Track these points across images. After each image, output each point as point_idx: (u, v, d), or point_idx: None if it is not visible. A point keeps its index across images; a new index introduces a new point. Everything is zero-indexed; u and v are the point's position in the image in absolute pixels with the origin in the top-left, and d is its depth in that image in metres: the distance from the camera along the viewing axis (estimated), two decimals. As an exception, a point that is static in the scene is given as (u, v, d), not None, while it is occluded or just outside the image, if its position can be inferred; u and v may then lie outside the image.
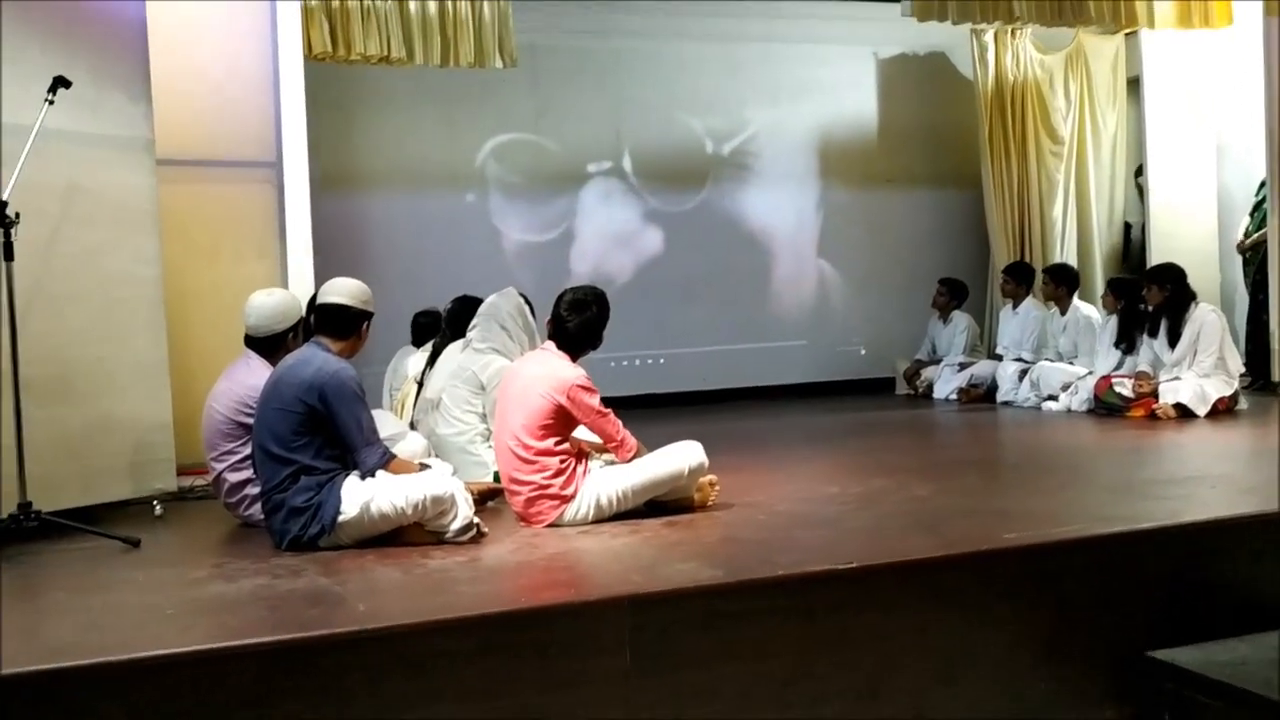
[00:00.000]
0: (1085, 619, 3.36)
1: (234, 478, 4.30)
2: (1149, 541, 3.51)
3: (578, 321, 4.09)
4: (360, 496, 3.73)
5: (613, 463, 4.13)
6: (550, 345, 4.15)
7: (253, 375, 4.27)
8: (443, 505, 3.75)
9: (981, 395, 8.01)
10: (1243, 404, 6.58)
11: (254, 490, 4.15)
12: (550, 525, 3.98)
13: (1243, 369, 6.84)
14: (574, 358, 4.10)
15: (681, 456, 4.08)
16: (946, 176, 9.56)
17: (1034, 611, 3.32)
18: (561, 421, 3.97)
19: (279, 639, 2.76)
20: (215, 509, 4.53)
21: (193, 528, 4.48)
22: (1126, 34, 8.80)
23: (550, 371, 4.01)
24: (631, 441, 4.06)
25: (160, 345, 4.85)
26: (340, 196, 7.82)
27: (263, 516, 3.95)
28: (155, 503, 4.68)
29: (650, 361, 8.67)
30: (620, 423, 4.07)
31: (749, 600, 3.06)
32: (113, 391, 4.67)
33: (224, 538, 4.23)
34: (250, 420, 4.11)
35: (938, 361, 8.66)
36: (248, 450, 4.17)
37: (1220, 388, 6.44)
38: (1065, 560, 3.42)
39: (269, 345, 4.38)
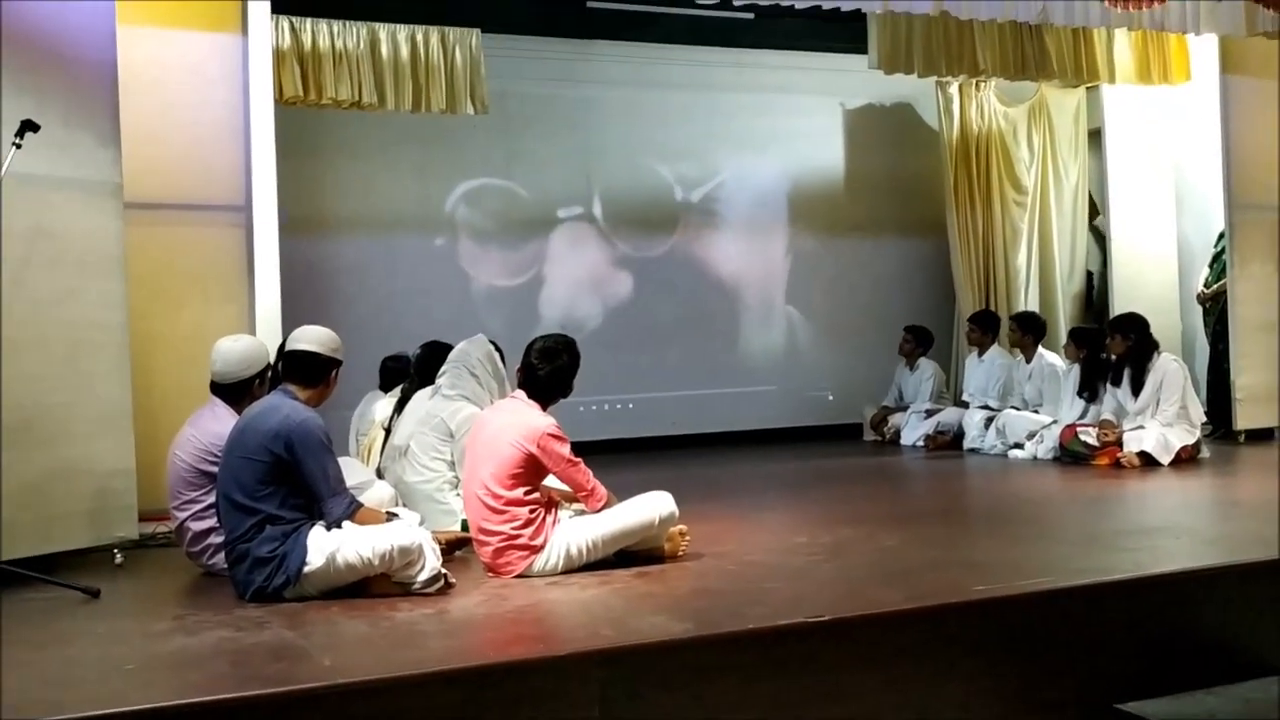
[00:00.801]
0: (1054, 671, 3.37)
1: (197, 526, 4.24)
2: (1118, 594, 3.53)
3: (549, 370, 4.08)
4: (326, 547, 3.69)
5: (582, 512, 4.11)
6: (520, 394, 4.13)
7: (218, 423, 4.22)
8: (410, 556, 3.71)
9: (948, 442, 8.05)
10: (1205, 452, 6.65)
11: (218, 539, 4.10)
12: (519, 576, 3.95)
13: (1204, 418, 6.92)
14: (544, 406, 4.08)
15: (652, 506, 4.07)
16: (912, 225, 9.67)
17: (1004, 664, 3.32)
18: (531, 471, 3.95)
19: (242, 695, 2.71)
20: (177, 557, 4.45)
21: (154, 577, 4.40)
22: (1088, 87, 8.98)
23: (521, 420, 3.99)
24: (602, 491, 4.04)
25: (125, 390, 4.79)
26: (309, 241, 7.79)
27: (226, 566, 3.89)
28: (116, 551, 4.59)
29: (619, 406, 8.66)
30: (590, 472, 4.05)
31: (720, 655, 3.04)
32: (75, 437, 4.59)
33: (186, 587, 4.16)
34: (215, 468, 4.07)
35: (904, 408, 8.70)
36: (212, 499, 4.12)
37: (1183, 436, 6.51)
38: (1035, 612, 3.42)
39: (235, 392, 4.33)
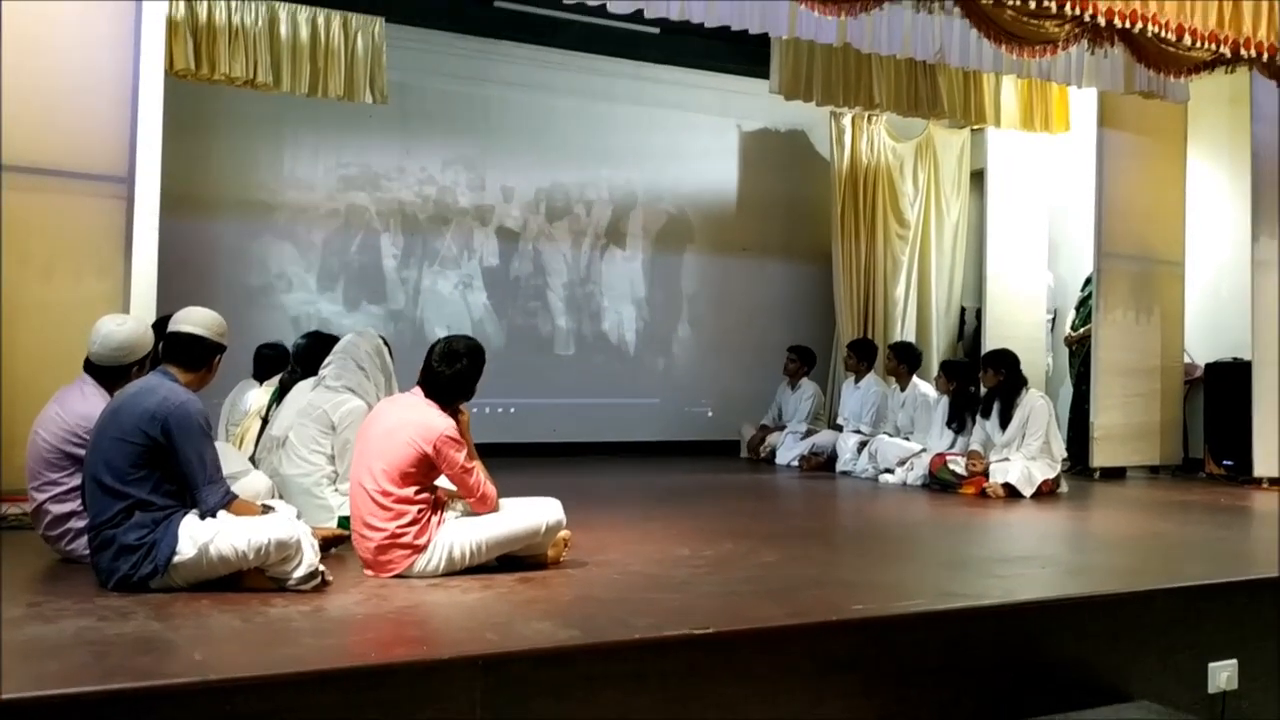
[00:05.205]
0: (924, 692, 3.45)
1: (57, 509, 4.01)
2: (988, 618, 3.63)
3: (450, 373, 4.00)
4: (199, 537, 3.54)
5: (469, 512, 4.04)
6: (418, 391, 4.04)
7: (86, 403, 4.02)
8: (287, 550, 3.60)
9: (821, 464, 8.23)
10: (1063, 487, 6.94)
11: (79, 523, 3.90)
12: (398, 576, 3.86)
13: (1065, 454, 7.22)
14: (443, 407, 4.01)
15: (540, 513, 4.03)
16: (798, 250, 9.88)
17: (877, 682, 3.39)
18: (423, 471, 3.87)
19: (106, 688, 2.57)
20: (30, 540, 4.21)
21: (6, 560, 4.14)
22: (973, 129, 9.32)
23: (419, 418, 3.91)
24: (493, 499, 3.99)
25: (-15, 362, 4.52)
26: (188, 219, 7.52)
27: (87, 552, 3.71)
28: (-38, 531, 4.33)
29: (500, 410, 8.59)
30: (484, 477, 3.99)
31: (606, 663, 3.02)
32: (-74, 409, 4.32)
33: (42, 573, 3.93)
34: (80, 451, 3.88)
35: (783, 427, 8.85)
36: (74, 482, 3.92)
37: (1045, 470, 6.79)
38: (909, 633, 3.51)
39: (110, 375, 4.10)
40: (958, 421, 7.35)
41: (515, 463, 7.44)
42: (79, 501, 3.85)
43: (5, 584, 3.84)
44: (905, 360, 8.13)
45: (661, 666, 3.10)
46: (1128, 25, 5.78)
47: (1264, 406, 7.33)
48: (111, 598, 3.46)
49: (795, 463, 8.40)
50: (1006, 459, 6.82)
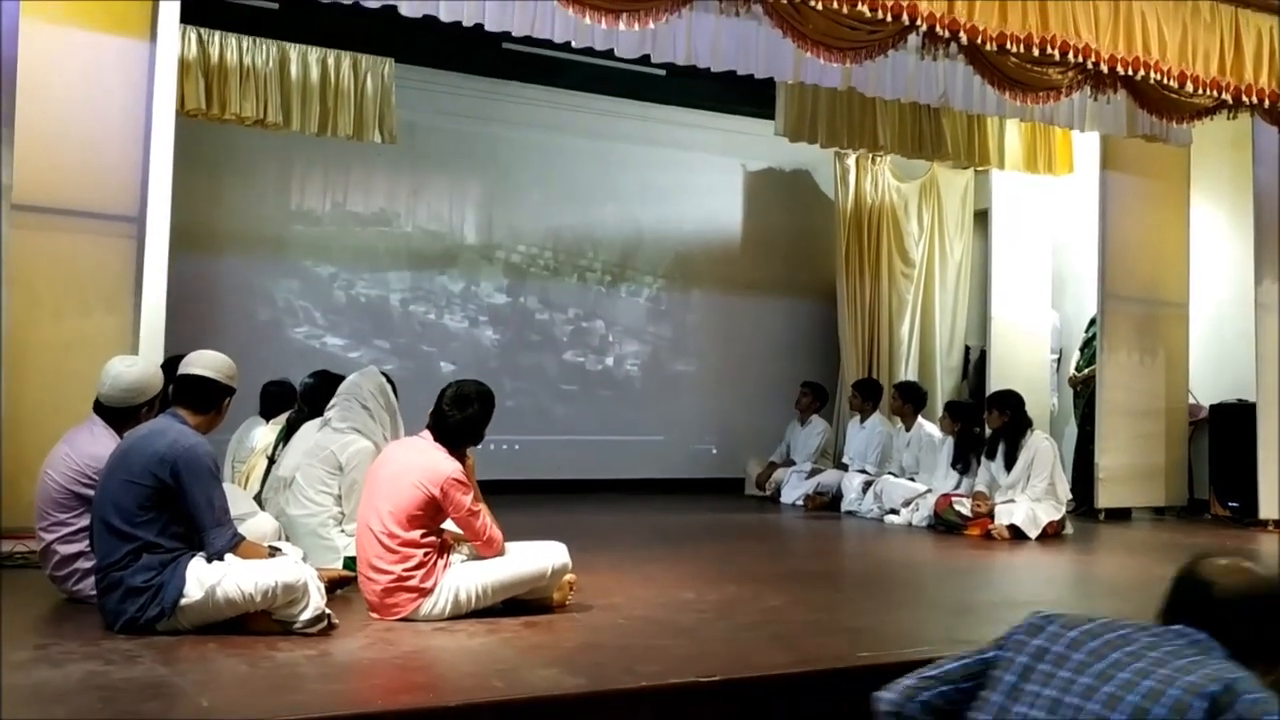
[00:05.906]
0: (931, 740, 3.44)
1: (65, 550, 4.02)
2: (994, 667, 3.62)
3: (459, 418, 4.03)
4: (206, 579, 3.55)
5: (475, 555, 4.05)
6: (427, 434, 4.06)
7: (96, 444, 4.03)
8: (294, 594, 3.60)
9: (826, 503, 8.20)
10: (1069, 528, 6.92)
11: (86, 564, 3.91)
12: (404, 619, 3.86)
13: (1070, 495, 7.21)
14: (451, 450, 4.02)
15: (545, 557, 4.04)
16: (802, 288, 9.91)
17: (884, 731, 3.38)
18: (430, 514, 3.89)
19: (113, 735, 2.58)
20: (38, 580, 4.21)
21: (12, 600, 4.13)
22: (977, 171, 9.36)
23: (427, 461, 3.93)
24: (499, 542, 3.99)
25: (-4, 401, 4.55)
26: (197, 256, 7.56)
27: (94, 593, 3.71)
28: (-32, 570, 4.34)
29: (505, 447, 8.59)
30: (490, 520, 4.00)
31: (613, 712, 3.02)
32: (-65, 447, 4.34)
33: (48, 614, 3.94)
34: (88, 492, 3.89)
35: (792, 463, 8.84)
36: (83, 523, 3.93)
37: (1050, 512, 6.77)
38: (915, 681, 3.49)
39: (120, 416, 4.12)
40: (963, 462, 7.34)
41: (519, 500, 7.42)
42: (87, 542, 3.86)
43: (12, 624, 3.84)
44: (910, 400, 8.14)
45: (667, 715, 3.09)
46: (1130, 72, 5.82)
47: (1268, 448, 7.33)
48: (118, 640, 3.46)
49: (800, 502, 8.38)
50: (1012, 500, 6.81)
